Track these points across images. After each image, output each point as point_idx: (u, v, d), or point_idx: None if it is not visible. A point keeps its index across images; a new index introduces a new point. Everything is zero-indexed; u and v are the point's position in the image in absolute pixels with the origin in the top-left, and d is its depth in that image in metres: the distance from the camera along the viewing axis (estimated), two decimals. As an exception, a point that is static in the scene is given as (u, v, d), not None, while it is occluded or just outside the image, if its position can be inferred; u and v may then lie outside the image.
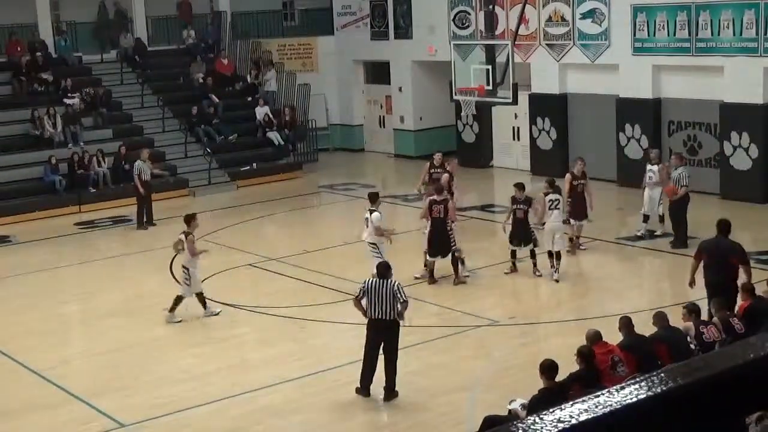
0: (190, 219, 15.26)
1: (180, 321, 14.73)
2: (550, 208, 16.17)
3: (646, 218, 18.31)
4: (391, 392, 11.50)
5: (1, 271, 18.41)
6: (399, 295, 11.25)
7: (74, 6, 29.15)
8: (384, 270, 11.62)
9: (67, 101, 25.82)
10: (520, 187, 16.23)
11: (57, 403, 12.01)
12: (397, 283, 11.49)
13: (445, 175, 17.71)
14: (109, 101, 26.87)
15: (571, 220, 17.54)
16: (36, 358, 13.52)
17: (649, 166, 18.35)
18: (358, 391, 11.58)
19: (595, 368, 9.53)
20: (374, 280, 11.52)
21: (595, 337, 10.03)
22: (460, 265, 16.03)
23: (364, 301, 11.46)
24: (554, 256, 16.03)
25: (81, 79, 27.15)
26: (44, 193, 23.67)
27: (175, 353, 13.72)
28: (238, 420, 11.16)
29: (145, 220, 21.65)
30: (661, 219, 18.31)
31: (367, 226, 15.57)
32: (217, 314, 14.92)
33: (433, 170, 18.62)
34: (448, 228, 15.95)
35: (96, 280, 17.71)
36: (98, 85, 27.36)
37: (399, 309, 11.25)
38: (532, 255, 16.16)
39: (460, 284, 15.92)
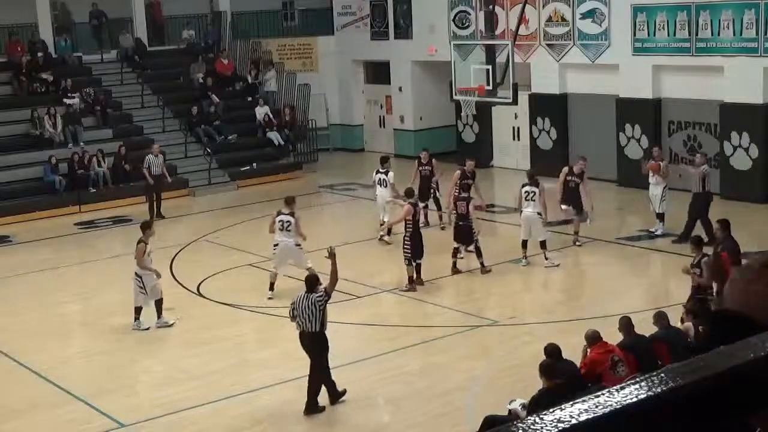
0: (145, 227, 14.92)
1: (148, 328, 14.45)
2: (526, 199, 16.79)
3: (659, 216, 18.33)
4: (313, 407, 11.19)
5: (1, 271, 18.41)
6: (317, 308, 11.06)
7: (74, 6, 29.14)
8: (310, 283, 11.47)
9: (67, 101, 25.81)
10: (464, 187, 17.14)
11: (57, 403, 12.01)
12: (319, 296, 11.20)
13: (457, 172, 17.93)
14: (109, 101, 26.88)
15: (563, 206, 17.71)
16: (36, 358, 13.52)
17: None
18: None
19: (563, 379, 9.29)
20: (303, 293, 11.39)
21: (594, 337, 10.04)
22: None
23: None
24: (541, 245, 16.81)
25: (81, 79, 27.15)
26: (44, 193, 23.66)
27: (176, 353, 13.72)
28: (238, 420, 11.16)
29: (154, 213, 22.24)
30: (661, 218, 18.32)
31: (383, 185, 18.35)
32: (171, 325, 14.56)
33: (421, 167, 19.25)
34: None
35: (96, 280, 17.70)
36: (98, 85, 27.38)
37: (319, 320, 11.09)
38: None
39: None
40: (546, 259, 16.76)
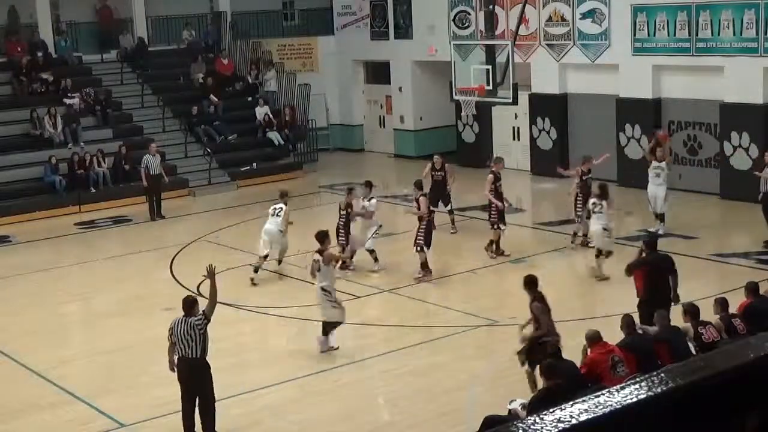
0: (323, 237, 13.37)
1: (337, 347, 13.25)
2: (594, 212, 16.63)
3: (659, 216, 18.30)
4: None
5: (1, 271, 18.41)
6: (196, 332, 10.34)
7: (74, 6, 29.15)
8: (188, 306, 10.64)
9: (67, 101, 25.82)
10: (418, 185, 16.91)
11: (57, 403, 12.01)
12: (197, 320, 10.44)
13: (490, 176, 17.73)
14: (109, 101, 26.88)
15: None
16: (36, 358, 13.52)
17: (654, 163, 18.36)
18: None
19: (564, 378, 9.26)
20: (181, 317, 10.55)
21: (594, 337, 10.03)
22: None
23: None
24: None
25: (81, 79, 27.15)
26: (44, 193, 23.68)
27: (175, 353, 13.70)
28: (238, 420, 11.16)
29: (155, 212, 22.42)
30: (662, 218, 18.31)
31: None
32: (336, 348, 13.31)
33: (434, 172, 19.13)
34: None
35: (96, 280, 17.71)
36: (98, 85, 27.37)
37: (200, 345, 10.38)
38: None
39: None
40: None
